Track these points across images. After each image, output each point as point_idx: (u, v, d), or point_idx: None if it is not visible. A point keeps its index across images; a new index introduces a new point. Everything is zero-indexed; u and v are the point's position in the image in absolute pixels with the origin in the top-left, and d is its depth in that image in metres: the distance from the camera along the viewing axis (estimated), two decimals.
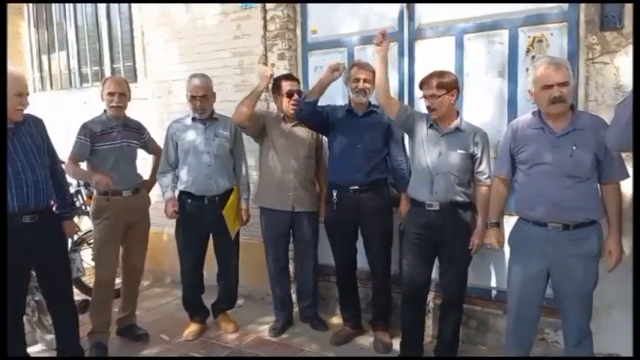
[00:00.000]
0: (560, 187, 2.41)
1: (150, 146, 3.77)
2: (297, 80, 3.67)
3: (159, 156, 3.76)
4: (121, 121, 3.49)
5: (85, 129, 3.38)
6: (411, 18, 3.58)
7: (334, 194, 3.37)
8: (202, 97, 3.47)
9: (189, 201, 3.54)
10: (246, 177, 3.71)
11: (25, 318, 3.15)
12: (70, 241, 3.63)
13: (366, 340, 3.52)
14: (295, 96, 3.52)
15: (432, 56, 3.50)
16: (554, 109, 2.42)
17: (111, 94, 3.42)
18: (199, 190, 3.50)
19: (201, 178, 3.49)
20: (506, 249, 2.74)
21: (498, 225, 2.78)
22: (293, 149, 3.58)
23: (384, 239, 3.36)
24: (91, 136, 3.37)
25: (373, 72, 3.22)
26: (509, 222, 2.77)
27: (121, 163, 3.45)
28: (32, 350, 3.21)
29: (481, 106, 3.37)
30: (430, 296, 3.40)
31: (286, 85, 3.55)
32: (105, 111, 3.48)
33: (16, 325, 2.97)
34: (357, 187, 3.30)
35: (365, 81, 3.25)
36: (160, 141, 3.68)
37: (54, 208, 3.04)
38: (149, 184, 3.77)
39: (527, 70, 3.09)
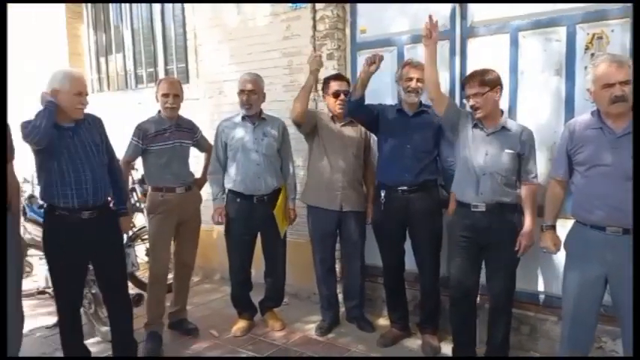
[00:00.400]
0: (620, 189, 2.31)
1: (202, 144, 3.85)
2: (347, 80, 3.66)
3: (210, 154, 3.84)
4: (174, 121, 3.58)
5: (138, 130, 3.49)
6: (464, 16, 3.51)
7: (382, 195, 3.35)
8: (250, 92, 3.52)
9: (238, 200, 3.58)
10: (293, 176, 3.73)
11: (82, 310, 3.28)
12: (125, 236, 3.76)
13: (413, 343, 3.48)
14: (342, 96, 3.51)
15: (485, 54, 3.42)
16: (615, 108, 2.32)
17: (165, 95, 3.51)
18: (248, 189, 3.55)
19: (250, 177, 3.53)
20: (561, 253, 2.65)
21: (554, 228, 2.69)
22: (342, 149, 3.58)
23: (433, 241, 3.32)
24: (145, 137, 3.48)
25: (422, 69, 3.19)
26: (565, 225, 2.67)
27: (174, 162, 3.55)
28: (88, 342, 3.32)
29: (536, 106, 3.27)
30: (478, 300, 3.33)
31: (334, 85, 3.57)
32: (159, 112, 3.58)
33: (73, 317, 3.11)
34: (405, 188, 3.26)
35: (417, 80, 3.22)
36: (211, 140, 3.75)
37: (111, 205, 3.15)
38: (200, 182, 3.85)
39: (585, 68, 2.97)
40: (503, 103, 3.33)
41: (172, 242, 3.67)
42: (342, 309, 3.86)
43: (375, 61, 3.14)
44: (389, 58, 3.74)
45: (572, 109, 3.13)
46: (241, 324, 3.76)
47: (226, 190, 3.64)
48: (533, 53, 3.27)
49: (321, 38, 4.04)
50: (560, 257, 2.83)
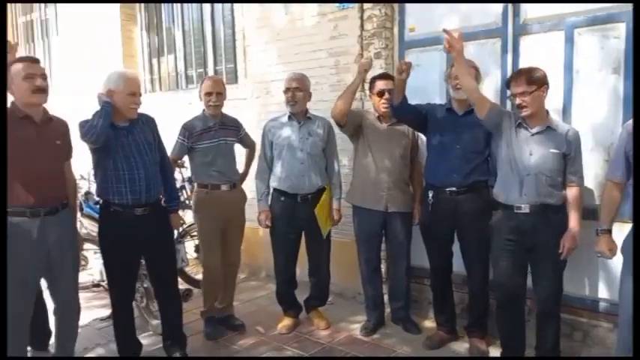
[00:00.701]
0: None
1: (245, 141, 3.92)
2: (393, 79, 3.63)
3: (253, 150, 3.92)
4: (219, 119, 3.65)
5: (184, 129, 3.58)
6: (516, 13, 3.42)
7: (430, 195, 3.31)
8: (295, 89, 3.55)
9: (282, 198, 3.61)
10: (338, 176, 3.73)
11: (134, 304, 3.40)
12: (175, 233, 3.86)
13: (460, 346, 3.43)
14: (386, 95, 3.49)
15: (539, 52, 3.32)
16: None
17: (208, 93, 3.58)
18: (292, 187, 3.57)
19: (294, 175, 3.56)
20: (617, 258, 2.55)
21: (610, 232, 2.59)
22: (388, 149, 3.56)
23: (482, 244, 3.23)
24: (190, 136, 3.56)
25: (475, 68, 3.14)
26: (622, 230, 2.57)
27: (219, 159, 3.61)
28: (140, 334, 3.41)
29: (593, 106, 3.16)
30: (527, 304, 3.24)
31: (379, 84, 3.55)
32: (203, 110, 3.65)
33: (126, 310, 3.22)
34: (454, 189, 3.21)
35: (457, 77, 3.16)
36: (258, 139, 3.80)
37: (162, 202, 3.24)
38: (242, 177, 3.91)
39: None
40: (558, 103, 3.23)
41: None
42: (388, 310, 3.83)
43: (404, 69, 3.14)
44: (438, 56, 3.70)
45: (630, 108, 3.00)
46: (287, 321, 3.79)
47: (271, 189, 3.68)
48: (589, 51, 3.15)
49: (368, 37, 4.02)
50: (616, 262, 2.73)
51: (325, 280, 3.80)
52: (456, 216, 3.23)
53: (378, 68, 3.88)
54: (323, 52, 4.31)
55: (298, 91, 3.56)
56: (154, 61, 6.19)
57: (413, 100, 3.34)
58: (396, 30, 4.00)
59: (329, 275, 3.81)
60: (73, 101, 5.99)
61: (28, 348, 3.27)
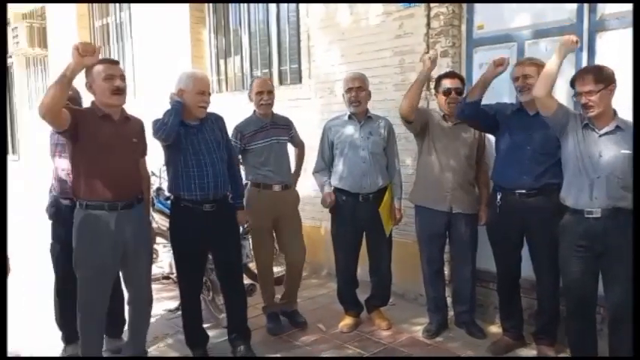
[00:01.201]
0: None
1: (295, 140, 3.96)
2: (461, 78, 3.57)
3: (302, 150, 3.96)
4: (269, 119, 3.71)
5: (236, 131, 3.65)
6: (592, 9, 3.27)
7: (498, 197, 3.22)
8: (358, 89, 3.55)
9: (343, 198, 3.62)
10: (399, 175, 3.71)
11: (201, 297, 3.51)
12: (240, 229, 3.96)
13: (527, 353, 3.32)
14: (452, 94, 3.43)
15: (616, 49, 3.16)
16: None
17: (260, 93, 3.65)
18: (354, 187, 3.57)
19: (356, 175, 3.56)
20: None
21: None
22: (453, 148, 3.50)
23: (553, 248, 3.10)
24: (242, 137, 3.62)
25: (537, 65, 3.01)
26: None
27: (271, 159, 3.67)
28: (206, 326, 3.51)
29: None
30: (600, 311, 3.10)
31: (445, 83, 3.50)
32: (254, 112, 3.72)
33: (193, 303, 3.34)
34: (523, 192, 3.11)
35: (525, 77, 3.05)
36: (315, 139, 3.82)
37: (229, 199, 3.33)
38: (294, 178, 3.95)
39: None
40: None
41: (274, 236, 3.83)
42: (451, 313, 3.76)
43: (502, 64, 3.06)
44: (508, 54, 3.58)
45: None
46: (348, 320, 3.80)
47: (332, 187, 3.69)
48: None
49: (434, 36, 3.97)
50: None
51: (386, 280, 3.78)
52: (526, 219, 3.13)
53: (444, 67, 3.82)
54: (387, 51, 4.28)
55: (361, 90, 3.57)
56: (221, 62, 6.36)
57: (482, 100, 3.26)
58: (463, 28, 3.92)
59: (390, 275, 3.78)
60: (145, 101, 6.27)
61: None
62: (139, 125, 3.06)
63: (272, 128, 3.70)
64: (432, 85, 3.73)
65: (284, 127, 3.81)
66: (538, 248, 3.16)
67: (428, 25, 4.00)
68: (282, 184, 3.71)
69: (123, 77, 2.90)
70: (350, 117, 3.63)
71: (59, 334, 3.42)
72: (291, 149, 3.95)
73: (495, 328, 3.64)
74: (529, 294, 3.41)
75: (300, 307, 4.02)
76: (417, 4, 4.02)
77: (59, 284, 3.31)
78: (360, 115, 3.61)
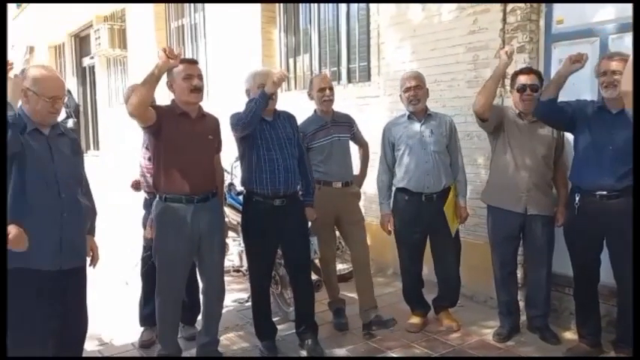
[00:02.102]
0: None
1: (358, 138, 3.96)
2: (538, 74, 3.44)
3: (366, 150, 3.95)
4: (330, 117, 3.72)
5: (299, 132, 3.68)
6: None
7: (577, 199, 3.09)
8: (416, 87, 3.51)
9: (406, 197, 3.58)
10: (463, 173, 3.64)
11: (269, 290, 3.59)
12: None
13: None
14: (528, 90, 3.32)
15: None
16: None
17: (321, 89, 3.67)
18: (416, 187, 3.53)
19: (418, 174, 3.51)
20: None
21: None
22: (529, 148, 3.38)
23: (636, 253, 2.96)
24: (304, 137, 3.63)
25: (625, 61, 2.85)
26: None
27: (332, 157, 3.68)
28: (274, 319, 3.59)
29: None
30: None
31: (522, 79, 3.38)
32: (315, 111, 3.74)
33: (263, 295, 3.42)
34: (604, 193, 2.97)
35: (613, 73, 2.90)
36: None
37: (300, 195, 3.39)
38: (359, 179, 3.95)
39: None
40: None
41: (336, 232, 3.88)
42: (523, 317, 3.64)
43: (580, 60, 2.94)
44: (590, 49, 3.41)
45: None
46: (414, 320, 3.77)
47: (394, 189, 3.67)
48: None
49: (511, 31, 3.85)
50: None
51: (454, 281, 3.71)
52: (606, 222, 2.99)
53: (521, 63, 3.71)
54: (461, 47, 4.20)
55: (419, 89, 3.53)
56: (291, 60, 6.46)
57: (561, 97, 3.14)
58: (542, 22, 3.78)
59: (459, 277, 3.70)
60: (217, 101, 6.48)
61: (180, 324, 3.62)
62: (214, 122, 3.18)
63: (333, 126, 3.72)
64: (508, 81, 3.63)
65: (345, 125, 3.82)
66: (619, 253, 3.00)
67: (504, 20, 3.89)
68: (342, 180, 3.73)
69: (200, 76, 3.02)
70: (409, 116, 3.59)
71: (137, 318, 3.62)
72: (354, 149, 3.97)
73: (570, 335, 3.49)
74: (608, 300, 3.25)
75: None
76: None
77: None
78: (420, 113, 3.57)
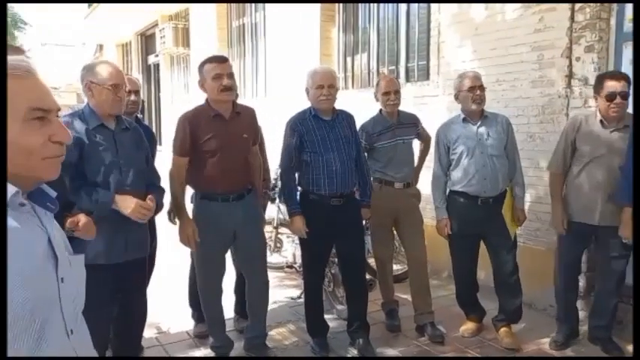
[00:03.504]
0: None
1: (422, 135, 3.91)
2: (626, 78, 3.12)
3: (428, 144, 3.89)
4: (395, 118, 3.68)
5: (362, 131, 3.65)
6: None
7: None
8: (480, 87, 3.42)
9: (461, 200, 3.50)
10: (520, 175, 3.51)
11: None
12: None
13: None
14: (618, 99, 3.06)
15: None
16: None
17: (386, 93, 3.63)
18: (473, 191, 3.43)
19: (474, 178, 3.41)
20: None
21: None
22: (607, 157, 3.16)
23: None
24: (368, 137, 3.62)
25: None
26: None
27: (395, 159, 3.66)
28: (326, 317, 3.60)
29: None
30: None
31: (609, 86, 3.09)
32: (380, 111, 3.71)
33: (316, 292, 3.44)
34: None
35: None
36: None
37: (357, 195, 3.39)
38: (416, 173, 3.91)
39: None
40: None
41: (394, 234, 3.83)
42: (584, 327, 3.49)
43: None
44: None
45: None
46: (469, 325, 3.69)
47: (447, 191, 3.59)
48: None
49: (579, 30, 3.70)
50: None
51: (515, 290, 3.51)
52: None
53: (589, 63, 3.56)
54: (524, 46, 4.07)
55: (482, 89, 3.44)
56: (348, 59, 6.46)
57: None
58: (613, 21, 3.61)
59: (520, 286, 3.52)
60: (275, 99, 6.57)
61: (234, 315, 3.71)
62: (249, 118, 3.19)
63: (397, 128, 3.69)
64: (576, 81, 3.48)
65: (411, 126, 3.78)
66: None
67: (572, 18, 3.74)
68: (404, 181, 3.70)
69: (230, 75, 3.02)
70: (465, 119, 3.49)
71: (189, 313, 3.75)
72: (416, 143, 3.93)
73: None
74: None
75: None
76: None
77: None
78: (477, 115, 3.46)
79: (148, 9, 10.52)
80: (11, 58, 1.06)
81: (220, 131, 3.01)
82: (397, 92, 3.68)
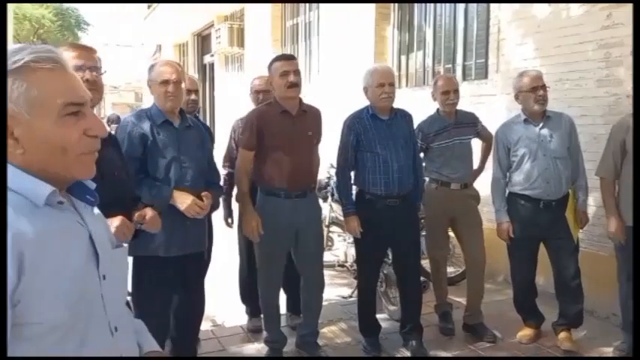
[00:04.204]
0: None
1: (482, 134, 3.82)
2: None
3: (489, 143, 3.77)
4: (453, 119, 3.61)
5: (419, 131, 3.60)
6: None
7: None
8: (543, 87, 3.30)
9: (522, 203, 3.39)
10: (584, 177, 3.38)
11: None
12: None
13: None
14: None
15: None
16: None
17: (446, 92, 3.56)
18: (535, 194, 3.32)
19: (538, 182, 3.30)
20: None
21: None
22: None
23: None
24: (425, 137, 3.56)
25: None
26: None
27: (452, 159, 3.58)
28: (377, 316, 3.59)
29: None
30: None
31: None
32: (437, 110, 3.64)
33: (370, 292, 3.42)
34: None
35: None
36: None
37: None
38: (476, 172, 3.82)
39: None
40: None
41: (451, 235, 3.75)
42: None
43: None
44: None
45: None
46: (527, 331, 3.57)
47: (507, 193, 3.48)
48: None
49: None
50: None
51: (576, 294, 3.38)
52: None
53: None
54: (591, 43, 3.90)
55: (545, 89, 3.32)
56: (403, 58, 6.40)
57: None
58: None
59: (581, 291, 3.39)
60: (329, 97, 6.58)
61: (286, 312, 3.74)
62: (315, 117, 3.22)
63: (455, 128, 3.62)
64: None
65: (469, 125, 3.70)
66: None
67: None
68: (461, 182, 3.62)
69: (297, 72, 3.06)
70: (526, 119, 3.37)
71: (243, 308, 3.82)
72: (476, 143, 3.85)
73: None
74: None
75: None
76: None
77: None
78: (538, 115, 3.34)
79: (204, 9, 10.78)
80: (35, 48, 0.98)
81: (287, 127, 3.05)
82: (456, 91, 3.61)
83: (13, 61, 0.95)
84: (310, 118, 3.18)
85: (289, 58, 3.15)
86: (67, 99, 0.99)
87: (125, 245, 1.19)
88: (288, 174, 3.03)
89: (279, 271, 3.21)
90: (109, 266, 1.08)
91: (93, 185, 1.11)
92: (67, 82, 1.00)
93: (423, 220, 4.52)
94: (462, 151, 3.64)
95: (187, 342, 2.89)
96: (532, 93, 3.31)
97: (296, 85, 3.03)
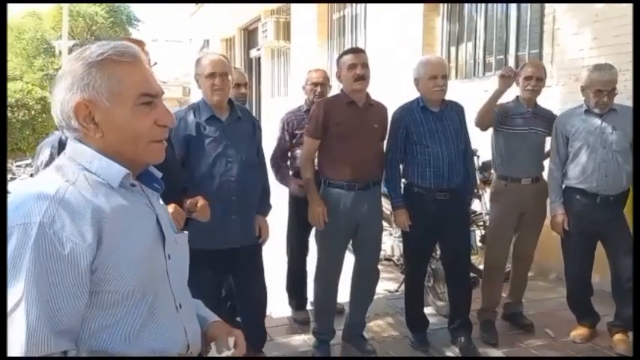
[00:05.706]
0: None
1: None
2: None
3: None
4: (532, 108, 3.48)
5: (499, 106, 3.47)
6: None
7: None
8: (610, 93, 3.15)
9: (577, 197, 3.28)
10: None
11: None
12: None
13: None
14: None
15: None
16: None
17: (528, 77, 3.44)
18: (592, 188, 3.20)
19: (595, 175, 3.18)
20: None
21: None
22: None
23: None
24: (503, 112, 3.44)
25: None
26: None
27: (522, 150, 3.45)
28: (425, 311, 3.55)
29: None
30: None
31: None
32: (517, 97, 3.53)
33: (418, 286, 3.39)
34: None
35: None
36: None
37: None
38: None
39: None
40: None
41: (513, 232, 3.60)
42: None
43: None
44: None
45: None
46: (581, 330, 3.45)
47: (563, 186, 3.37)
48: None
49: None
50: None
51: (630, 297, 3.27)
52: None
53: None
54: None
55: (612, 95, 3.18)
56: (452, 49, 6.27)
57: None
58: None
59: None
60: (376, 91, 6.50)
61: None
62: (382, 111, 3.21)
63: (532, 117, 3.49)
64: None
65: (546, 120, 3.54)
66: None
67: None
68: (532, 176, 3.50)
69: (365, 65, 3.05)
70: (587, 110, 3.25)
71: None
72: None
73: None
74: None
75: (526, 309, 3.79)
76: None
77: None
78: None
79: (250, 4, 10.88)
80: (116, 44, 1.08)
81: (352, 118, 3.05)
82: (539, 79, 3.47)
83: (97, 54, 1.06)
84: (377, 111, 3.18)
85: (358, 51, 3.15)
86: (142, 90, 1.09)
87: (185, 232, 1.25)
88: (351, 165, 3.03)
89: (339, 262, 3.20)
90: (174, 248, 1.17)
91: (159, 174, 1.20)
92: (143, 74, 1.10)
93: (473, 216, 4.49)
94: (535, 143, 3.50)
95: (255, 336, 2.88)
96: (596, 98, 3.18)
97: (363, 78, 3.03)
